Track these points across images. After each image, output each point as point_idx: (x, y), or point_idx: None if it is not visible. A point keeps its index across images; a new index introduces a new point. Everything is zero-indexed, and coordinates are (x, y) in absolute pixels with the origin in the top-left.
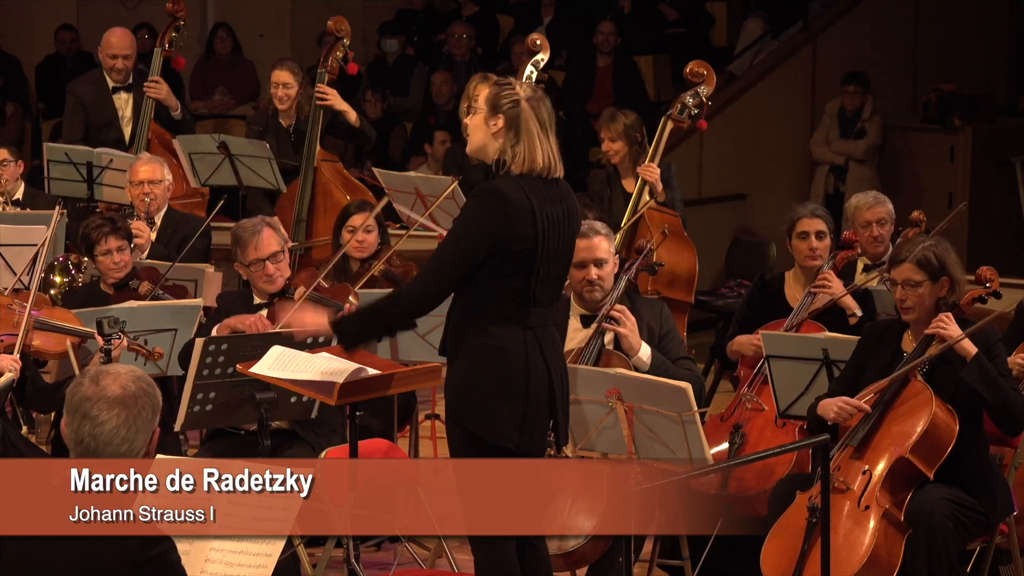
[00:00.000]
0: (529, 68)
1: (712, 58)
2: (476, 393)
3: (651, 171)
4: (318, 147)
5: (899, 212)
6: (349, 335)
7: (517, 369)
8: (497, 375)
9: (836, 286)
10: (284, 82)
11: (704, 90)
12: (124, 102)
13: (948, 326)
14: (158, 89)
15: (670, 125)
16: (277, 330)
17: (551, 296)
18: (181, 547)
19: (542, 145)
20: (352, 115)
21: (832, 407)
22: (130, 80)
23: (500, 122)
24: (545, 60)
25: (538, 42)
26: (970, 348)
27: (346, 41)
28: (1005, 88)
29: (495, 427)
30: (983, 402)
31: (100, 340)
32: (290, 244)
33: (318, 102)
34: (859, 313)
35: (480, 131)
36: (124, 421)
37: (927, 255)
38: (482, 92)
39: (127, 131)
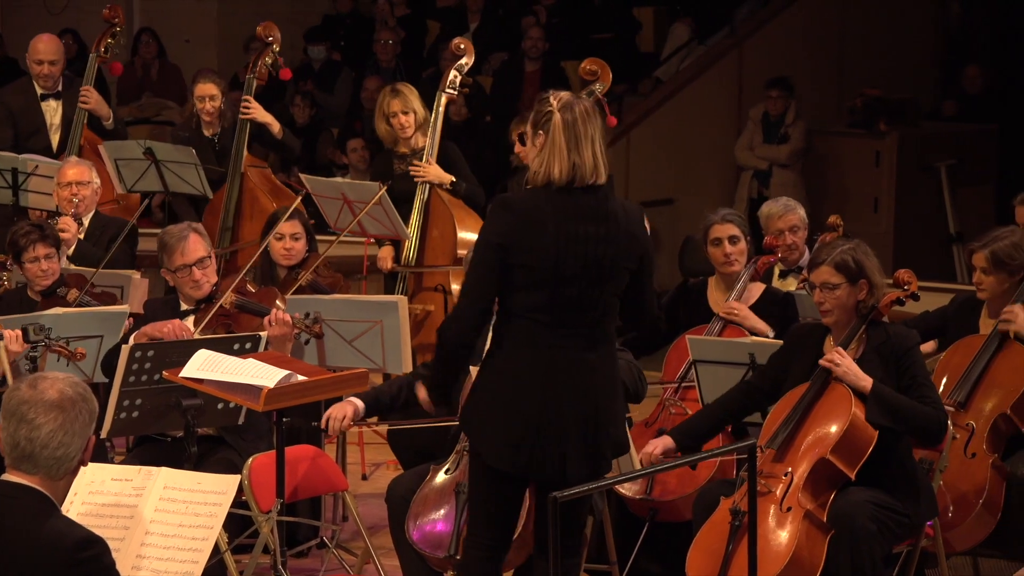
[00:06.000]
0: (453, 73)
1: (639, 63)
2: (477, 411)
3: None
4: (245, 152)
5: (824, 217)
6: (436, 390)
7: (518, 392)
8: (497, 396)
9: (743, 313)
10: (210, 95)
11: (599, 87)
12: (53, 110)
13: (841, 362)
14: (87, 98)
15: None
16: (198, 336)
17: (579, 320)
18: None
19: (566, 155)
20: (275, 127)
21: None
22: (59, 87)
23: (540, 139)
24: (469, 64)
25: (462, 46)
26: (865, 384)
27: (276, 47)
28: (930, 93)
29: (488, 447)
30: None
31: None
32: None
33: (241, 115)
34: (771, 334)
35: (531, 153)
36: (61, 425)
37: (845, 258)
38: (395, 106)
39: (55, 139)
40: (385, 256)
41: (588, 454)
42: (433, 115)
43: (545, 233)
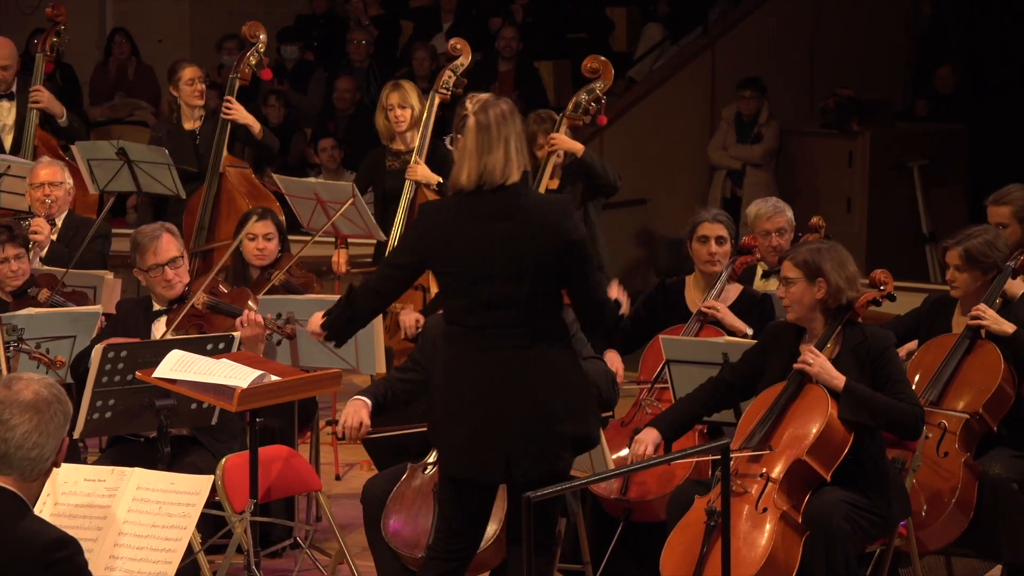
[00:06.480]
0: (448, 73)
1: (612, 63)
2: (433, 414)
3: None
4: (225, 152)
5: (797, 217)
6: (331, 329)
7: (457, 397)
8: (443, 403)
9: (723, 311)
10: (199, 76)
11: (600, 85)
12: (6, 111)
13: (814, 362)
14: (39, 97)
15: (566, 123)
16: (171, 336)
17: (506, 320)
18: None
19: (475, 159)
20: (256, 127)
21: (638, 453)
22: (12, 88)
23: (460, 142)
24: (465, 65)
25: (458, 47)
26: (838, 383)
27: (261, 48)
28: (903, 93)
29: (441, 453)
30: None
31: None
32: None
33: (223, 115)
34: (749, 332)
35: (456, 156)
36: (36, 426)
37: (805, 256)
38: (393, 99)
39: (7, 140)
40: (339, 261)
41: (537, 453)
42: (425, 115)
43: (453, 239)
